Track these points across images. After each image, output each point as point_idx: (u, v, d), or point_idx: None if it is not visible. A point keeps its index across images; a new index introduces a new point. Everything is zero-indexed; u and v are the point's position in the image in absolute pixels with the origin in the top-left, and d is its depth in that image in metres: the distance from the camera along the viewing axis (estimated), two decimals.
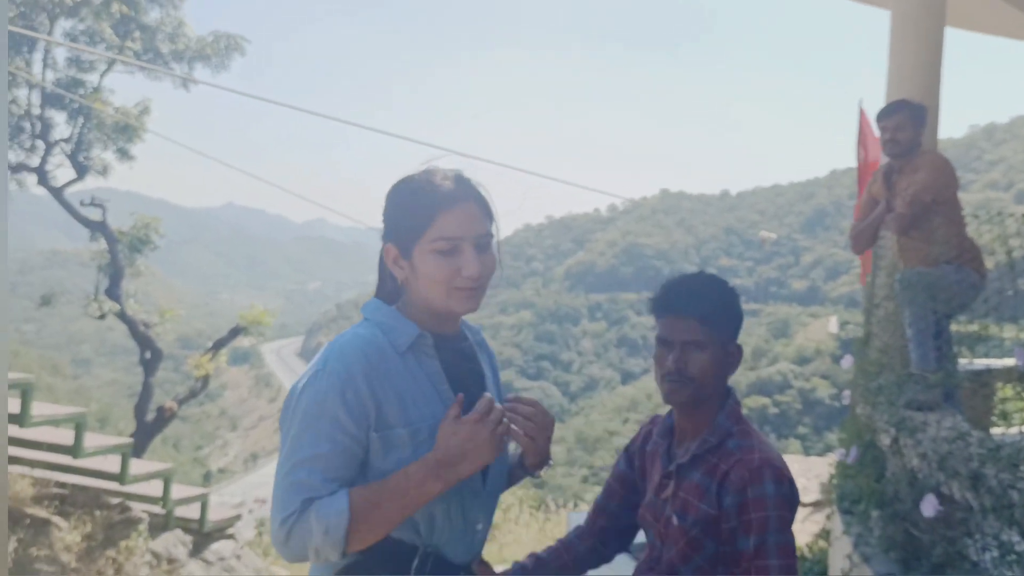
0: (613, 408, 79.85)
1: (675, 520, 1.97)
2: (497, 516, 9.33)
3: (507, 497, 10.09)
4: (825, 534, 5.69)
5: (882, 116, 4.53)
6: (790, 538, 1.85)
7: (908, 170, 4.40)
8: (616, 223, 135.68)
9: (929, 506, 3.07)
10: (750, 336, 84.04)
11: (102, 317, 14.85)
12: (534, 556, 2.25)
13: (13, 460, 7.72)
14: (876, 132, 4.85)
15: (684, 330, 1.95)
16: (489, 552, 7.88)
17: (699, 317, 1.93)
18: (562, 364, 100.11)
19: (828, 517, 5.33)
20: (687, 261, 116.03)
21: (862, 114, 6.24)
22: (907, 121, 4.41)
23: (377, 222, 1.78)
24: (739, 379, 76.28)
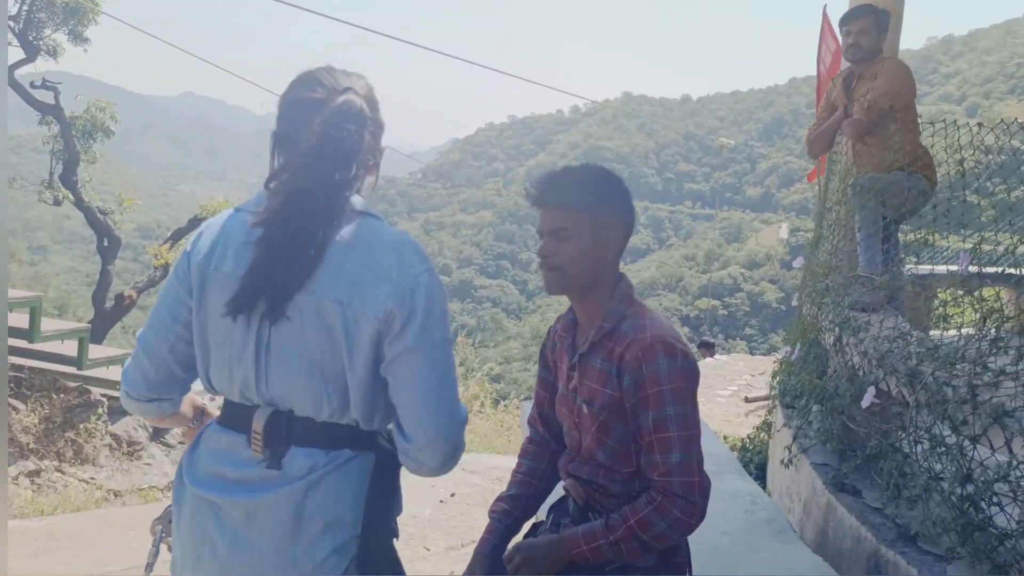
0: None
1: (585, 408, 2.05)
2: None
3: (468, 391, 10.34)
4: (766, 426, 5.90)
5: (846, 20, 4.54)
6: (688, 409, 1.91)
7: (868, 76, 4.45)
8: (578, 125, 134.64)
9: (867, 398, 3.22)
10: (704, 240, 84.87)
11: (57, 203, 14.55)
12: (509, 498, 2.30)
13: None
14: (838, 38, 4.87)
15: (548, 219, 2.00)
16: None
17: (561, 206, 1.98)
18: (520, 263, 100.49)
19: (770, 411, 5.53)
20: (646, 165, 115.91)
21: (825, 19, 6.23)
22: (871, 26, 4.43)
23: None
24: (691, 281, 77.51)
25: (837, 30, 4.79)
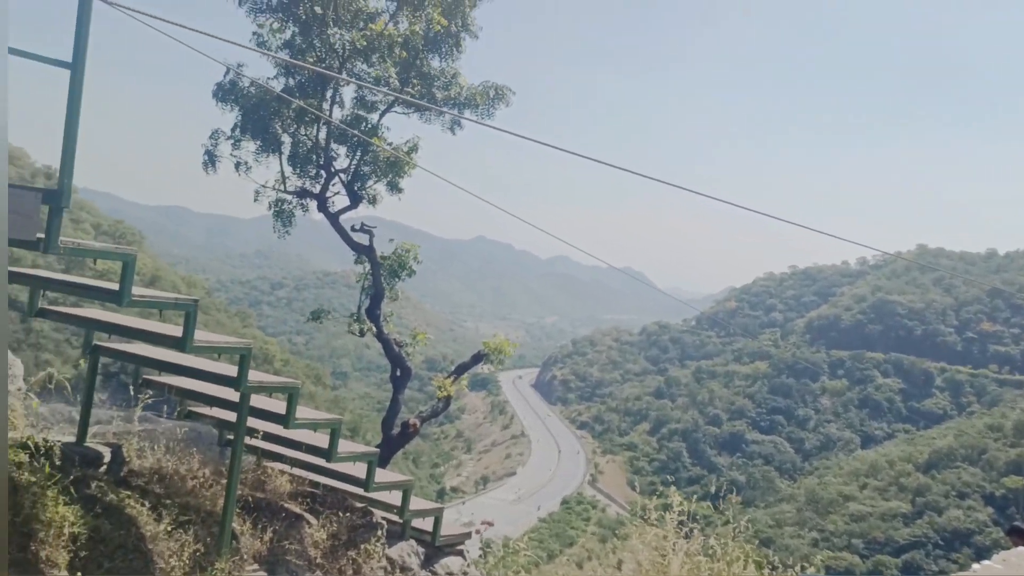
0: (850, 471, 75.48)
1: None
2: (721, 568, 9.09)
3: (735, 551, 9.80)
4: None
5: None
6: None
7: None
8: (865, 277, 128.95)
9: None
10: (1012, 409, 76.66)
11: (361, 335, 16.07)
12: None
13: (275, 457, 8.48)
14: None
15: None
16: None
17: None
18: (797, 420, 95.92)
19: None
20: (943, 323, 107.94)
21: None
22: None
23: (617, 260, 1.82)
24: (997, 455, 69.90)
25: None
